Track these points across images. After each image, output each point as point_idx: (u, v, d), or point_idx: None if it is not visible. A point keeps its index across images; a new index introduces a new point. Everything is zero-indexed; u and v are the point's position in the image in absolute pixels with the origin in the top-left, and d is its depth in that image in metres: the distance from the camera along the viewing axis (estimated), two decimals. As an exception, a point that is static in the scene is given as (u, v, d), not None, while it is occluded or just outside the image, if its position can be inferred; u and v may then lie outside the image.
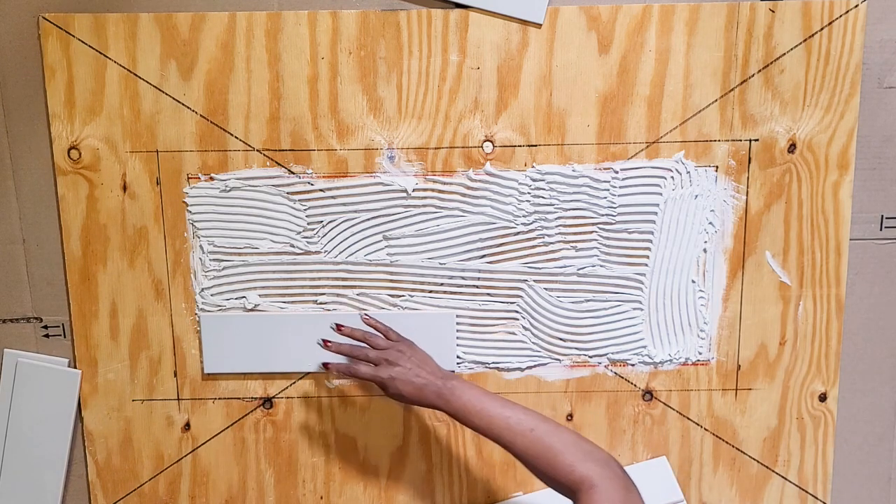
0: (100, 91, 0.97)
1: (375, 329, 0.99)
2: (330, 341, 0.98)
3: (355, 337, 0.97)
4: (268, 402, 1.05)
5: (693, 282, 1.02)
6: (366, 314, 1.00)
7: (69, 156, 0.98)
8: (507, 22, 0.96)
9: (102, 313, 1.02)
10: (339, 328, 0.99)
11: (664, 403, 1.05)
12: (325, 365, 0.98)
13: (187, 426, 1.05)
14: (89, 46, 0.96)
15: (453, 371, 0.95)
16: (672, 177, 0.99)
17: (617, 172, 0.99)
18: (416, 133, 0.99)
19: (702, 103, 0.98)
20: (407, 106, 0.98)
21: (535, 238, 1.01)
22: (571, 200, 1.00)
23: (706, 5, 0.95)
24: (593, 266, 1.01)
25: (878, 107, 0.99)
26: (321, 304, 1.02)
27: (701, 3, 0.96)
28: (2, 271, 1.03)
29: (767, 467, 1.06)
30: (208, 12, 0.96)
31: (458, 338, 1.02)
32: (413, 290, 1.02)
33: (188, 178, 0.99)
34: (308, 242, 1.01)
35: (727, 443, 1.05)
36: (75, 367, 1.04)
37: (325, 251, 1.01)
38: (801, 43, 0.96)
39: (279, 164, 0.99)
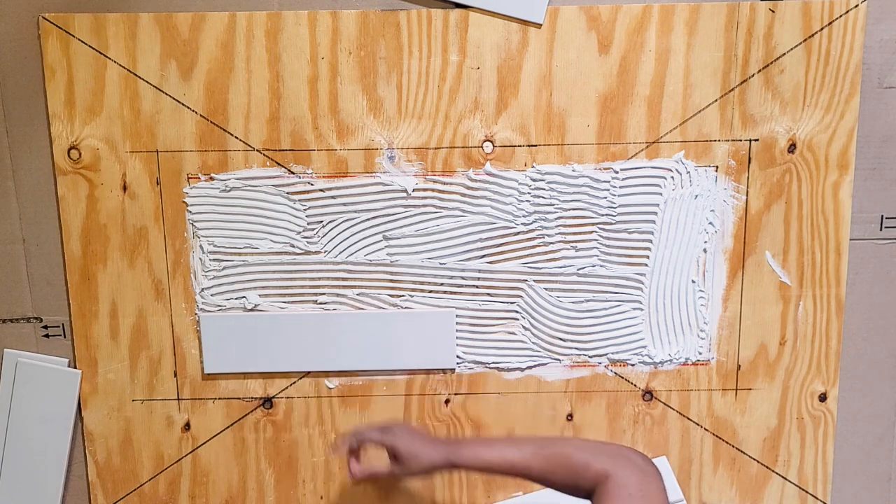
0: (100, 91, 0.97)
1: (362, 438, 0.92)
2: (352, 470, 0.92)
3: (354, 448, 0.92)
4: (268, 402, 1.05)
5: (693, 282, 1.02)
6: (351, 475, 0.92)
7: (69, 156, 0.98)
8: (507, 22, 0.96)
9: (102, 313, 1.02)
10: (340, 449, 0.92)
11: (664, 403, 1.05)
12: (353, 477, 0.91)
13: (187, 426, 1.05)
14: (89, 46, 0.96)
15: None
16: (672, 177, 0.99)
17: (617, 172, 0.99)
18: (416, 133, 0.98)
19: (702, 103, 0.98)
20: (407, 106, 0.98)
21: (535, 238, 1.01)
22: (571, 200, 1.00)
23: (706, 5, 0.95)
24: (593, 266, 1.01)
25: (878, 107, 0.99)
26: (321, 304, 1.02)
27: (701, 3, 0.96)
28: (2, 271, 1.02)
29: (767, 467, 1.06)
30: (208, 12, 0.95)
31: (457, 337, 1.02)
32: (413, 289, 1.02)
33: (188, 178, 0.99)
34: (308, 242, 1.01)
35: (727, 443, 1.05)
36: (75, 367, 1.04)
37: (325, 251, 1.01)
38: (801, 43, 0.96)
39: (279, 164, 0.99)
